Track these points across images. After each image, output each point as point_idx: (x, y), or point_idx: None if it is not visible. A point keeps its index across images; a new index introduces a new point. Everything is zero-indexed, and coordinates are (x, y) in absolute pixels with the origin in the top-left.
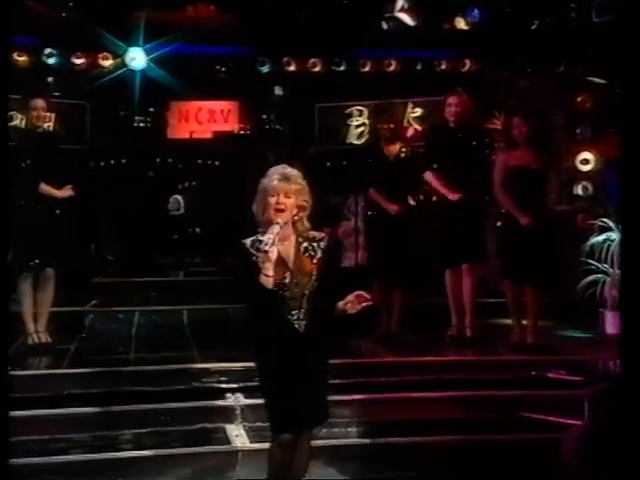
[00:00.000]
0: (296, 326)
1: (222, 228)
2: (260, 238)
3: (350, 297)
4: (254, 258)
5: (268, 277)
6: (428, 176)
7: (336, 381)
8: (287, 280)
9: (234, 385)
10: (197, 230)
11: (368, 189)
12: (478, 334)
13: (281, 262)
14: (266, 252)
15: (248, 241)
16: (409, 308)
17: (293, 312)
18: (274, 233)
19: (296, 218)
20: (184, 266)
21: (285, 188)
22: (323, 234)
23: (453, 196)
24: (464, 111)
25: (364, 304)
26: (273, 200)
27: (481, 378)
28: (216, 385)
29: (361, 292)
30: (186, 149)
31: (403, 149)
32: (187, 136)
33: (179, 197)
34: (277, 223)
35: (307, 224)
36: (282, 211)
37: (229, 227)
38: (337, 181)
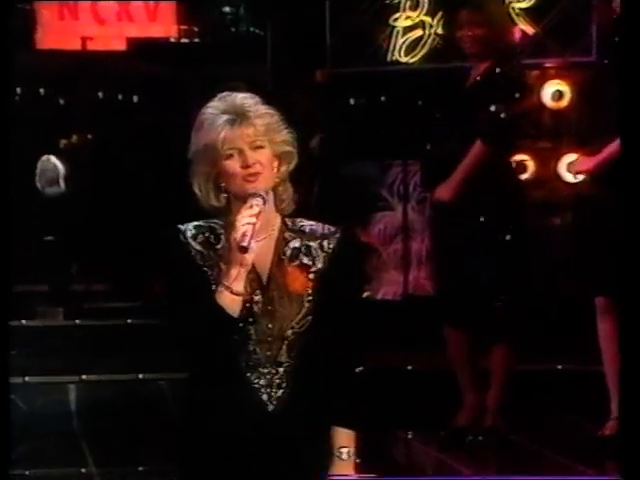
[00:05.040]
0: (263, 397)
1: (144, 221)
2: (213, 223)
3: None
4: (198, 258)
5: (235, 295)
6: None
7: None
8: (256, 306)
9: None
10: (94, 225)
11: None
12: None
13: (253, 267)
14: (243, 248)
15: (190, 227)
16: (520, 381)
17: (261, 369)
18: (255, 212)
19: (277, 180)
20: (71, 299)
21: (248, 134)
22: (332, 228)
23: None
24: None
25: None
26: (235, 165)
27: None
28: None
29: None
30: (74, 71)
31: (502, 73)
32: (77, 47)
33: (56, 161)
34: (258, 195)
35: (291, 190)
36: (257, 176)
37: (158, 219)
38: (369, 134)
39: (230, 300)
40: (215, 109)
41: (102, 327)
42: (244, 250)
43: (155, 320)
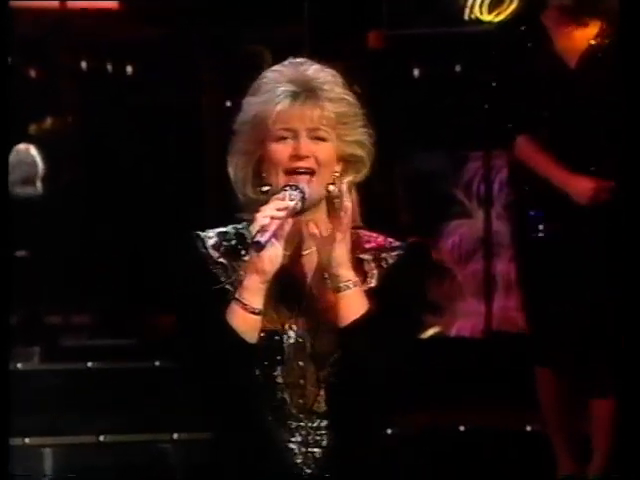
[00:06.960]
0: (297, 460)
1: (142, 233)
2: (243, 229)
3: None
4: (220, 272)
5: (250, 314)
6: None
7: None
8: (287, 338)
9: None
10: (76, 239)
11: (517, 139)
12: None
13: (285, 288)
14: (258, 244)
15: (211, 234)
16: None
17: (292, 423)
18: (285, 205)
19: (332, 189)
20: (46, 335)
21: (310, 117)
22: (396, 241)
23: None
24: None
25: None
26: (284, 149)
27: None
28: None
29: None
30: (50, 35)
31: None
32: (54, 5)
33: (35, 153)
34: (296, 187)
35: (355, 207)
36: (310, 174)
37: (162, 228)
38: (438, 116)
39: (243, 320)
40: (279, 74)
41: (86, 372)
42: (259, 247)
43: (156, 363)
